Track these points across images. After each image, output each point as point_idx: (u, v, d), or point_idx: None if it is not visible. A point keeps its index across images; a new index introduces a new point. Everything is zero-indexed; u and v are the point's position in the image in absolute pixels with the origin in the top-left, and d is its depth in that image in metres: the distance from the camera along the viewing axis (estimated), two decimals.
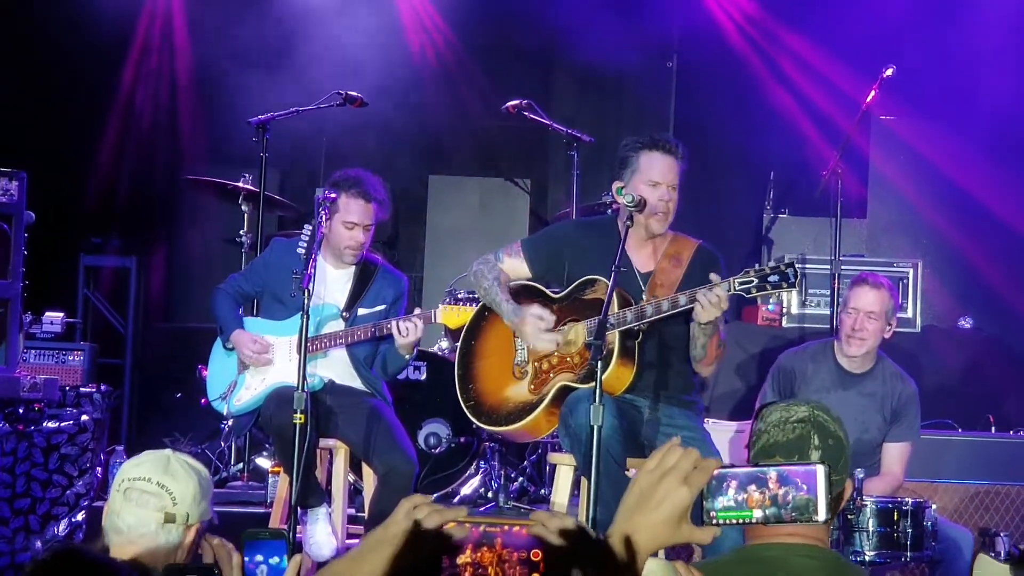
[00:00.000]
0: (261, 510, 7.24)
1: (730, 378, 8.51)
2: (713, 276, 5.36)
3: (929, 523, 5.87)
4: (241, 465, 8.27)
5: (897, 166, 9.86)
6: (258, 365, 6.71)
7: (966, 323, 9.44)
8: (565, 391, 5.62)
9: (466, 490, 8.12)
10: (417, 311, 6.58)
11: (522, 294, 5.96)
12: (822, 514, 2.30)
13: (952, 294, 9.80)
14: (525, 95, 8.68)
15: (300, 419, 5.76)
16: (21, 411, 6.97)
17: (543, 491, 8.10)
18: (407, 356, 6.67)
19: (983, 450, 7.57)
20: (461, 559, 2.28)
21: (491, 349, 6.04)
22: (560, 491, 5.90)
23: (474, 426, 7.70)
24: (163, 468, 3.62)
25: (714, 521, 2.34)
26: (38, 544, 6.87)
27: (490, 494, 8.07)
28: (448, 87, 11.23)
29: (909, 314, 8.87)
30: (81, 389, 7.24)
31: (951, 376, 8.86)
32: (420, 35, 11.20)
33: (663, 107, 11.12)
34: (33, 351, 8.41)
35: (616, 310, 5.51)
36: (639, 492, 2.33)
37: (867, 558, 5.79)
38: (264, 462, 8.14)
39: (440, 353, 8.17)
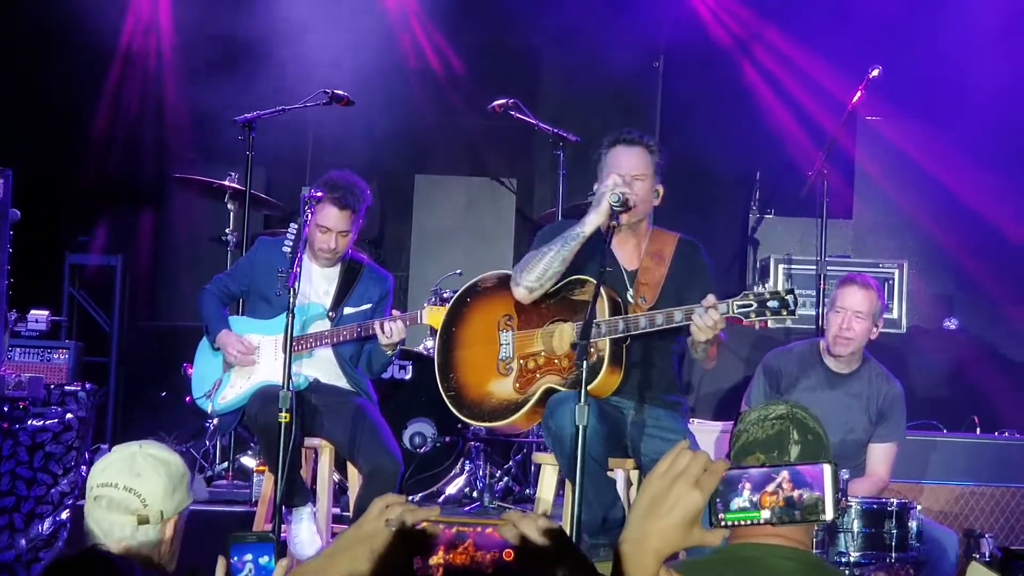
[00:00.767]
0: (246, 509, 7.22)
1: (716, 378, 8.51)
2: (710, 298, 5.29)
3: (914, 524, 5.88)
4: (226, 464, 8.26)
5: (883, 167, 9.88)
6: (243, 366, 6.70)
7: (951, 324, 9.47)
8: (551, 393, 5.61)
9: (451, 489, 8.12)
10: (396, 313, 6.57)
11: (508, 285, 5.93)
12: (829, 513, 2.30)
13: (938, 295, 9.83)
14: (511, 94, 8.69)
15: (285, 418, 5.75)
16: (6, 409, 6.95)
17: (528, 490, 8.10)
18: (390, 353, 6.66)
19: (968, 451, 7.58)
20: (433, 560, 2.27)
21: (473, 339, 6.01)
22: (545, 490, 5.90)
23: (459, 425, 7.74)
24: (128, 469, 3.58)
25: (723, 523, 2.34)
26: (22, 543, 6.85)
27: (475, 493, 8.08)
28: (434, 86, 11.22)
29: (895, 315, 8.90)
30: (66, 387, 7.21)
31: (936, 377, 8.88)
32: (406, 34, 11.18)
33: (649, 107, 11.12)
34: (18, 349, 8.38)
35: (607, 316, 5.50)
36: (650, 498, 2.31)
37: (852, 559, 5.80)
38: (249, 461, 8.13)
39: (426, 352, 8.16)
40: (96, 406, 7.39)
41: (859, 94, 8.20)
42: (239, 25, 10.27)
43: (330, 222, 6.59)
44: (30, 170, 7.81)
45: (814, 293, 8.40)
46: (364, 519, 2.36)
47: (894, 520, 5.84)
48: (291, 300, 5.86)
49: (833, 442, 6.77)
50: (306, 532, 6.45)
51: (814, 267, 8.37)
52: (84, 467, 7.15)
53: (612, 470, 5.50)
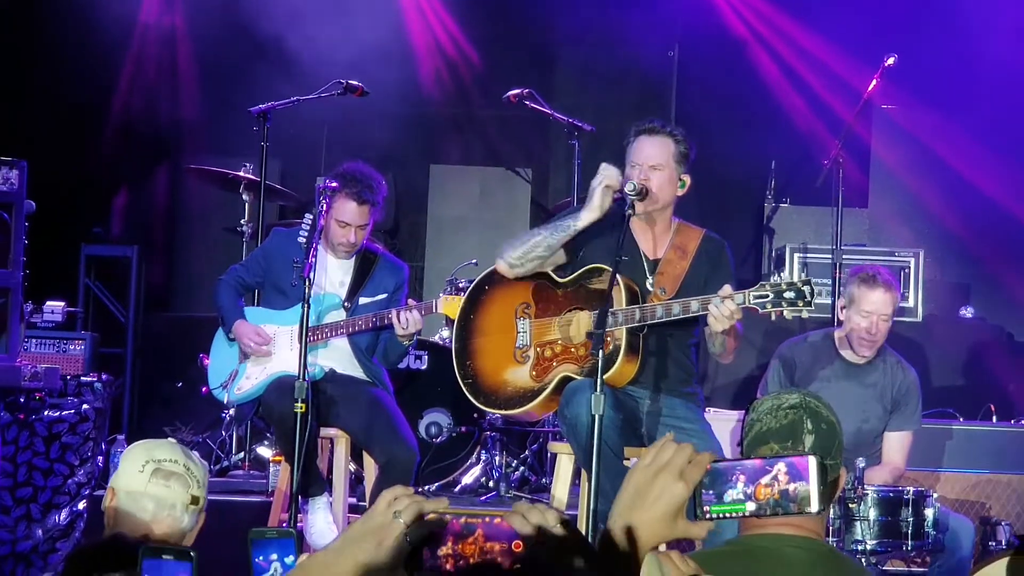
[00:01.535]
0: (262, 499, 7.24)
1: (731, 368, 8.49)
2: (726, 288, 5.30)
3: (930, 512, 5.87)
4: (242, 454, 8.28)
5: (899, 155, 9.86)
6: (259, 356, 6.71)
7: (967, 312, 9.45)
8: (567, 382, 5.62)
9: (467, 479, 8.13)
10: (412, 303, 6.57)
11: (527, 275, 5.94)
12: (815, 505, 2.29)
13: (954, 283, 9.81)
14: (526, 84, 8.68)
15: (301, 408, 5.76)
16: (22, 400, 6.97)
17: (544, 480, 8.11)
18: (407, 344, 6.66)
19: (984, 439, 7.57)
20: (442, 551, 2.26)
21: (491, 327, 6.01)
22: (561, 480, 5.90)
23: (475, 415, 7.75)
24: (183, 452, 3.63)
25: (708, 516, 2.33)
26: (39, 533, 6.88)
27: (491, 483, 8.08)
28: (449, 76, 11.22)
29: (911, 303, 8.87)
30: (82, 378, 7.23)
31: (952, 365, 8.86)
32: (421, 23, 11.18)
33: (665, 97, 11.11)
34: (34, 340, 8.40)
35: (624, 305, 5.50)
36: (634, 488, 2.31)
37: (868, 547, 5.80)
38: (265, 451, 8.15)
39: (442, 343, 8.16)
40: (112, 397, 7.41)
41: (875, 82, 8.19)
42: (254, 15, 10.26)
43: (349, 216, 6.59)
44: (45, 161, 7.82)
45: (830, 282, 8.38)
46: (373, 511, 2.35)
47: (910, 508, 5.84)
48: (306, 290, 5.86)
49: (849, 431, 6.77)
50: (322, 522, 6.46)
51: (830, 256, 8.35)
52: (100, 457, 7.18)
53: (628, 459, 5.49)
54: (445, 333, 8.26)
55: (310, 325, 5.99)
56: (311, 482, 6.40)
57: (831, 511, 5.65)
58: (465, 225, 10.49)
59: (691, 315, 5.43)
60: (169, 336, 10.07)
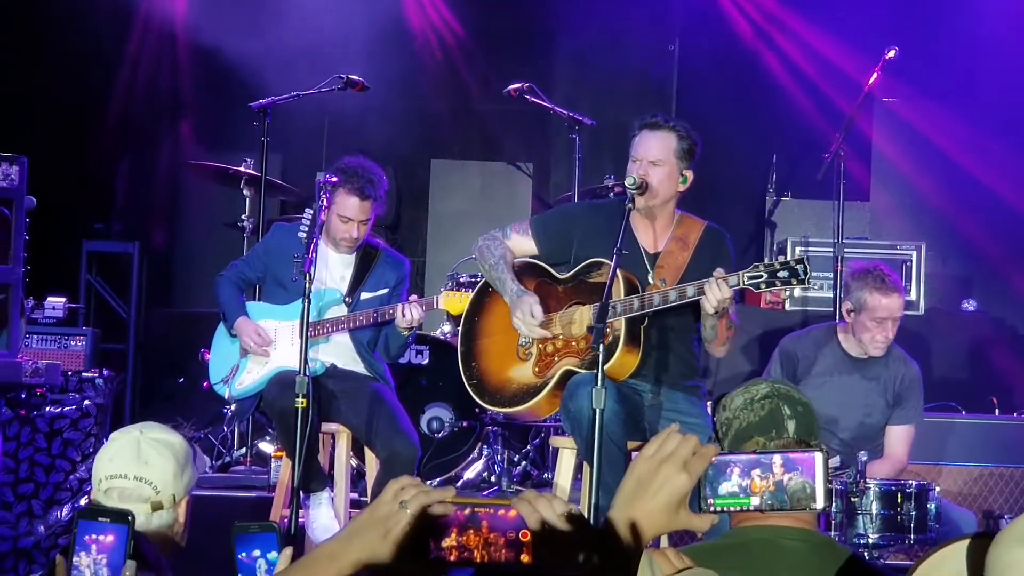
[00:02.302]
0: (264, 494, 7.23)
1: (734, 362, 8.51)
2: (719, 271, 5.31)
3: (932, 505, 5.87)
4: (244, 450, 8.27)
5: (900, 148, 9.85)
6: (258, 355, 6.71)
7: (969, 305, 9.44)
8: (570, 376, 5.61)
9: (469, 474, 8.12)
10: (413, 298, 6.56)
11: (527, 272, 5.95)
12: (820, 502, 2.28)
13: (955, 276, 9.80)
14: (526, 78, 8.67)
15: (302, 403, 5.74)
16: (23, 396, 6.96)
17: (546, 475, 8.10)
18: (407, 335, 6.65)
19: (987, 432, 7.57)
20: (446, 542, 2.25)
21: (495, 328, 6.02)
22: (563, 474, 5.90)
23: (476, 410, 7.74)
24: (135, 458, 3.51)
25: (712, 508, 2.32)
26: (41, 529, 6.87)
27: (493, 478, 8.08)
28: (449, 71, 11.22)
29: (913, 297, 8.87)
30: (83, 374, 7.23)
31: (955, 358, 8.86)
32: (421, 18, 11.18)
33: (665, 90, 11.11)
34: (35, 336, 8.40)
35: (623, 296, 5.50)
36: (637, 479, 2.30)
37: (870, 540, 5.80)
38: (267, 447, 8.15)
39: (443, 337, 8.16)
40: (114, 392, 7.41)
41: (876, 75, 8.17)
42: (254, 9, 10.26)
43: (351, 212, 6.58)
44: (46, 157, 7.81)
45: (831, 275, 8.37)
46: (378, 502, 2.35)
47: (912, 502, 5.84)
48: (307, 286, 5.85)
49: (852, 425, 6.78)
50: (324, 517, 6.46)
51: (831, 249, 8.34)
52: None
53: (631, 453, 5.49)
54: (447, 328, 8.26)
55: (311, 320, 5.98)
56: (312, 477, 6.40)
57: (833, 505, 5.65)
58: (466, 220, 10.48)
59: (688, 300, 5.42)
60: (170, 332, 10.08)
